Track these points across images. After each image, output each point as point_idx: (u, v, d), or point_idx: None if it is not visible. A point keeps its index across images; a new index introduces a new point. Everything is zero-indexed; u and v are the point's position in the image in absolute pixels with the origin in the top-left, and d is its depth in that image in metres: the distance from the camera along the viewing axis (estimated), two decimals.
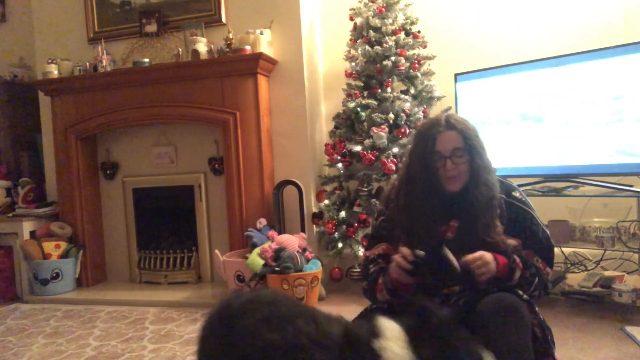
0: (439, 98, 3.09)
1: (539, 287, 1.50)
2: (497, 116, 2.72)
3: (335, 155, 3.06)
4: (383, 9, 3.04)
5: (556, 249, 2.73)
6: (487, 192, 1.51)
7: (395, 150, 2.90)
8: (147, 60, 3.37)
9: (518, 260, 1.48)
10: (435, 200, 1.55)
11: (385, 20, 3.03)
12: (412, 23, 3.12)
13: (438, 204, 1.55)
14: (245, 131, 3.19)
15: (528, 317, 1.40)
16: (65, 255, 3.39)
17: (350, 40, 3.19)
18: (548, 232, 1.56)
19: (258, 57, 3.09)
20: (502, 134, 2.70)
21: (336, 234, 3.01)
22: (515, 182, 2.64)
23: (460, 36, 3.33)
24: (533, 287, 1.49)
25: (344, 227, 2.98)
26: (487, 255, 1.42)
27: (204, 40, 3.25)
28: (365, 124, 2.97)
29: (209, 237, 3.44)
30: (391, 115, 2.91)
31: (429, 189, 1.55)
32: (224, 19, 3.35)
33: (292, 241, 2.81)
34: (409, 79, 3.09)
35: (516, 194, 1.58)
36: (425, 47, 3.12)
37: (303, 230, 3.08)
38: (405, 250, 1.45)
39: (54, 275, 3.33)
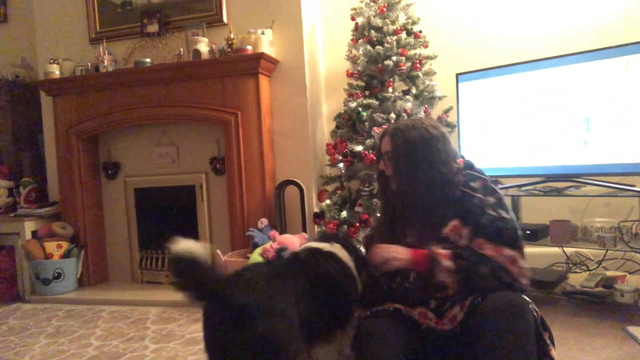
0: (440, 98, 3.09)
1: (491, 273, 1.48)
2: (498, 116, 2.71)
3: (336, 155, 3.06)
4: (384, 9, 3.04)
5: (558, 249, 2.76)
6: (424, 194, 1.57)
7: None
8: (148, 60, 3.37)
9: (442, 251, 1.50)
10: (389, 199, 1.72)
11: (387, 20, 3.03)
12: (414, 23, 3.11)
13: (391, 204, 1.72)
14: (247, 131, 3.19)
15: (533, 318, 1.39)
16: (67, 255, 3.40)
17: (352, 40, 3.19)
18: (498, 214, 1.52)
19: (259, 57, 3.09)
20: (504, 133, 2.70)
21: None
22: (517, 182, 2.69)
23: (461, 36, 3.33)
24: (479, 274, 1.47)
25: (346, 227, 2.98)
26: (387, 249, 1.56)
27: (206, 40, 3.25)
28: (366, 123, 2.97)
29: (210, 237, 3.45)
30: (392, 115, 2.91)
31: (383, 189, 1.75)
32: (225, 19, 3.35)
33: (293, 241, 2.81)
34: (411, 79, 3.08)
35: (475, 184, 1.58)
36: (426, 46, 3.12)
37: (304, 230, 3.08)
38: None
39: (56, 275, 3.34)
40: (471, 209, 1.54)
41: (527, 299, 1.47)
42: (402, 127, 1.63)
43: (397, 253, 1.54)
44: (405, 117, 2.91)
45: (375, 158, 1.74)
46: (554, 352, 1.47)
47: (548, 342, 1.47)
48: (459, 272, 1.48)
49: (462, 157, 1.72)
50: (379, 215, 1.81)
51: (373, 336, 1.47)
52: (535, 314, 1.44)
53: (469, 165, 1.66)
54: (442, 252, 1.51)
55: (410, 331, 1.52)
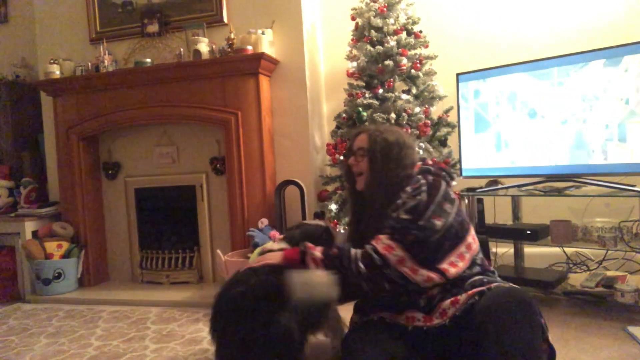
0: (440, 98, 3.09)
1: (361, 257, 1.55)
2: (498, 116, 2.71)
3: (337, 155, 3.06)
4: (385, 9, 3.04)
5: (558, 249, 2.76)
6: (381, 194, 1.67)
7: None
8: (148, 60, 3.37)
9: (312, 247, 1.64)
10: (354, 199, 1.83)
11: (387, 20, 3.03)
12: (414, 23, 3.11)
13: (357, 203, 1.82)
14: (247, 131, 3.19)
15: (539, 312, 1.40)
16: (67, 255, 3.40)
17: (352, 40, 3.19)
18: (407, 216, 1.57)
19: (260, 57, 3.09)
20: (504, 133, 2.70)
21: None
22: (517, 182, 2.69)
23: (462, 36, 3.33)
24: (351, 257, 1.56)
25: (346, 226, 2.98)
26: (261, 259, 1.68)
27: (206, 40, 3.25)
28: (367, 123, 2.97)
29: (210, 237, 3.45)
30: (393, 115, 2.91)
31: (349, 188, 1.85)
32: (225, 19, 3.35)
33: None
34: (411, 79, 3.09)
35: (409, 187, 1.64)
36: (427, 46, 3.12)
37: None
38: None
39: (56, 275, 3.34)
40: (390, 213, 1.62)
41: (522, 289, 1.49)
42: (381, 128, 1.78)
43: (269, 259, 1.68)
44: (406, 117, 2.91)
45: (346, 155, 1.85)
46: (549, 335, 1.49)
47: (545, 326, 1.49)
48: (329, 261, 1.58)
49: (423, 162, 1.79)
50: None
51: (352, 353, 1.50)
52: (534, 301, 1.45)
53: (422, 170, 1.73)
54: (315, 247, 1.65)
55: (394, 336, 1.53)
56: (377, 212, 1.67)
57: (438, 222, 1.55)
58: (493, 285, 1.49)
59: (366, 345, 1.48)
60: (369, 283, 1.55)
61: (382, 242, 1.55)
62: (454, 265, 1.57)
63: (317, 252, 1.62)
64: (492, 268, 1.72)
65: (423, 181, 1.64)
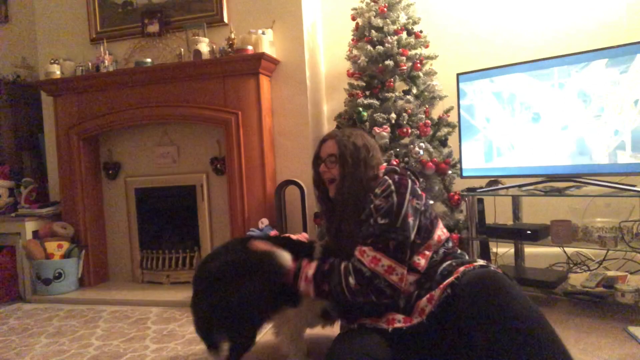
0: (441, 98, 3.09)
1: (348, 271, 1.59)
2: (499, 116, 2.71)
3: None
4: (385, 9, 3.04)
5: (559, 249, 2.76)
6: (352, 197, 1.70)
7: (392, 151, 2.90)
8: (149, 60, 3.37)
9: (308, 263, 1.67)
10: (326, 206, 1.86)
11: (387, 20, 3.03)
12: (414, 23, 3.11)
13: (328, 210, 1.85)
14: (248, 131, 3.19)
15: (510, 282, 1.41)
16: (67, 255, 3.40)
17: (352, 40, 3.19)
18: (376, 221, 1.59)
19: (260, 57, 3.09)
20: (505, 133, 2.70)
21: None
22: (517, 181, 2.69)
23: (462, 36, 3.33)
24: (342, 272, 1.59)
25: None
26: None
27: (206, 40, 3.25)
28: (367, 123, 2.97)
29: (211, 236, 3.45)
30: (393, 115, 2.91)
31: (320, 195, 1.88)
32: (226, 19, 3.35)
33: None
34: (411, 79, 3.09)
35: (379, 189, 1.66)
36: (427, 46, 3.12)
37: (305, 230, 3.09)
38: None
39: (57, 275, 3.34)
40: (362, 216, 1.65)
41: (486, 264, 1.53)
42: (346, 133, 1.80)
43: None
44: (406, 117, 2.91)
45: (314, 163, 1.87)
46: None
47: None
48: (319, 277, 1.62)
49: (387, 164, 1.84)
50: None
51: None
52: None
53: (388, 170, 1.76)
54: (307, 263, 1.68)
55: (377, 340, 1.53)
56: (350, 217, 1.70)
57: (411, 221, 1.61)
58: (460, 271, 1.49)
59: (353, 356, 1.47)
60: (357, 297, 1.58)
61: (367, 255, 1.57)
62: (423, 256, 1.65)
63: (311, 269, 1.66)
64: (458, 250, 1.78)
65: (389, 181, 1.66)
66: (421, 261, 1.63)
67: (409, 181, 1.68)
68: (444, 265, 1.62)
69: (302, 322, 1.86)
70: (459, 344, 1.45)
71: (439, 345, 1.52)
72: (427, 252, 1.66)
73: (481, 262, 1.55)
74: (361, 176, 1.71)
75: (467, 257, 1.73)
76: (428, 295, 1.53)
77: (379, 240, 1.57)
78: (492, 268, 1.49)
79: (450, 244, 1.75)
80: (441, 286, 1.50)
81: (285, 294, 1.73)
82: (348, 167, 1.72)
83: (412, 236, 1.61)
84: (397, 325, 1.55)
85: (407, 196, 1.62)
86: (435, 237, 1.70)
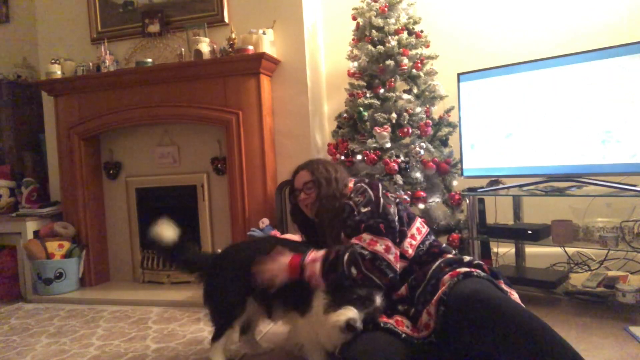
0: (441, 97, 3.09)
1: (351, 261, 1.63)
2: (500, 116, 2.71)
3: (338, 155, 3.06)
4: (386, 9, 3.04)
5: (559, 249, 2.76)
6: (330, 209, 1.85)
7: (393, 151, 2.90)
8: (149, 60, 3.38)
9: (313, 254, 1.73)
10: (306, 230, 2.06)
11: (388, 19, 3.03)
12: (415, 22, 3.11)
13: (309, 233, 2.05)
14: (248, 131, 3.19)
15: (487, 283, 1.48)
16: (68, 255, 3.40)
17: (353, 39, 3.19)
18: (358, 211, 1.73)
19: (261, 57, 3.09)
20: (505, 133, 2.70)
21: None
22: (518, 181, 2.68)
23: (463, 35, 3.33)
24: (344, 264, 1.63)
25: None
26: (266, 272, 1.75)
27: (207, 40, 3.25)
28: (367, 123, 2.97)
29: (211, 236, 3.45)
30: (394, 115, 2.91)
31: (299, 222, 2.08)
32: (226, 19, 3.35)
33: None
34: (412, 79, 3.08)
35: (352, 193, 1.84)
36: (428, 46, 3.12)
37: None
38: None
39: (58, 274, 3.34)
40: (344, 215, 1.78)
41: (468, 271, 1.54)
42: (314, 162, 2.03)
43: (275, 271, 1.74)
44: (407, 116, 2.91)
45: (292, 195, 2.07)
46: (514, 296, 1.57)
47: (505, 288, 1.56)
48: (326, 269, 1.65)
49: (355, 178, 2.00)
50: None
51: None
52: (480, 274, 1.53)
53: (357, 181, 1.93)
54: (312, 256, 1.74)
55: (391, 344, 1.53)
56: (333, 226, 1.83)
57: (391, 209, 1.75)
58: (446, 284, 1.52)
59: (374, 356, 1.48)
60: (361, 284, 1.63)
61: (364, 239, 1.67)
62: (410, 245, 1.78)
63: (318, 263, 1.69)
64: (443, 244, 1.90)
65: (360, 184, 1.86)
66: (409, 249, 1.76)
67: (379, 183, 1.86)
68: (434, 267, 1.68)
69: (315, 335, 1.72)
70: (468, 355, 1.46)
71: (451, 358, 1.53)
72: (413, 242, 1.79)
73: (464, 269, 1.56)
74: (335, 191, 1.88)
75: (453, 252, 1.84)
76: (426, 310, 1.56)
77: (370, 225, 1.69)
78: (474, 274, 1.52)
79: (433, 237, 1.88)
80: (433, 302, 1.53)
81: (294, 299, 1.76)
82: (323, 187, 1.89)
83: (395, 223, 1.73)
84: (406, 331, 1.57)
85: (380, 190, 1.80)
86: (414, 228, 1.84)
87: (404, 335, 1.55)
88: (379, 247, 1.65)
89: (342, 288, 1.62)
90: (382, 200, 1.75)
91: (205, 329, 2.52)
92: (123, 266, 3.69)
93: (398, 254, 1.70)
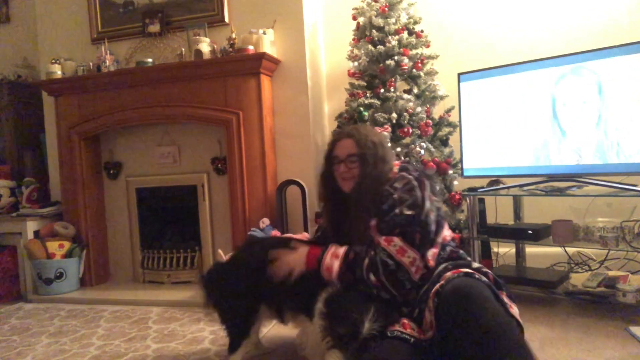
0: (442, 97, 3.09)
1: (371, 268, 1.59)
2: (500, 115, 2.71)
3: None
4: (386, 9, 3.04)
5: (560, 249, 2.76)
6: (371, 192, 1.69)
7: (398, 149, 2.90)
8: (150, 60, 3.37)
9: (334, 249, 1.69)
10: (334, 201, 1.85)
11: (388, 19, 3.03)
12: (415, 22, 3.11)
13: (337, 205, 1.84)
14: (248, 131, 3.19)
15: (485, 291, 1.44)
16: (69, 254, 3.40)
17: (353, 39, 3.19)
18: (402, 212, 1.61)
19: (261, 57, 3.09)
20: (505, 133, 2.70)
21: None
22: (519, 181, 2.68)
23: (463, 35, 3.33)
24: (364, 267, 1.60)
25: None
26: (284, 263, 1.72)
27: (207, 40, 3.25)
28: (368, 123, 2.97)
29: (212, 236, 3.45)
30: (394, 115, 2.91)
31: (328, 191, 1.87)
32: (226, 19, 3.35)
33: None
34: (412, 79, 3.08)
35: (398, 184, 1.67)
36: (428, 46, 3.12)
37: (306, 230, 3.08)
38: None
39: (58, 274, 3.34)
40: (384, 207, 1.64)
41: (468, 272, 1.52)
42: (362, 131, 1.81)
43: (294, 262, 1.72)
44: (407, 116, 2.91)
45: (329, 162, 1.88)
46: (513, 311, 1.52)
47: (506, 300, 1.52)
48: (345, 268, 1.62)
49: (401, 161, 1.87)
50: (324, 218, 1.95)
51: None
52: (481, 279, 1.50)
53: (404, 168, 1.78)
54: (333, 250, 1.69)
55: (399, 353, 1.51)
56: (365, 209, 1.70)
57: (432, 216, 1.65)
58: (446, 277, 1.52)
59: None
60: (377, 291, 1.60)
61: (394, 245, 1.59)
62: (433, 255, 1.67)
63: (337, 261, 1.66)
64: (461, 250, 1.80)
65: (409, 177, 1.69)
66: (431, 260, 1.66)
67: (426, 179, 1.71)
68: (440, 268, 1.65)
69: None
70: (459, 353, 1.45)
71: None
72: (435, 250, 1.68)
73: (467, 270, 1.55)
74: (380, 173, 1.72)
75: (467, 259, 1.74)
76: (427, 306, 1.55)
77: (406, 231, 1.59)
78: (475, 277, 1.51)
79: (454, 243, 1.78)
80: (431, 294, 1.52)
81: (303, 303, 1.74)
82: (369, 166, 1.72)
83: (432, 232, 1.64)
84: (414, 334, 1.56)
85: (428, 192, 1.66)
86: (442, 235, 1.72)
87: (412, 339, 1.54)
88: (406, 259, 1.58)
89: (337, 313, 1.59)
90: (426, 206, 1.63)
91: (205, 329, 2.52)
92: (123, 266, 3.69)
93: (421, 267, 1.63)
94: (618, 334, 2.09)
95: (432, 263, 1.65)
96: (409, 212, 1.60)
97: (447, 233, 1.76)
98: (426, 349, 1.53)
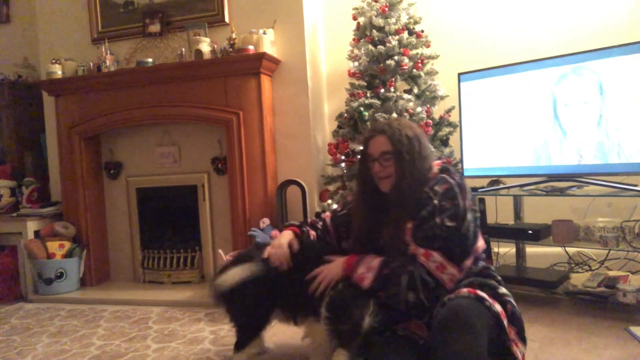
0: (442, 97, 3.08)
1: (411, 286, 1.49)
2: (500, 115, 2.71)
3: (338, 155, 3.06)
4: (386, 9, 3.03)
5: (560, 249, 2.76)
6: (411, 194, 1.59)
7: None
8: (150, 60, 3.38)
9: (369, 260, 1.60)
10: (371, 201, 1.71)
11: (389, 19, 3.03)
12: (416, 22, 3.11)
13: (373, 205, 1.70)
14: (249, 131, 3.19)
15: (481, 321, 1.39)
16: (69, 254, 3.40)
17: (354, 39, 3.19)
18: (443, 222, 1.51)
19: (261, 56, 3.09)
20: (506, 133, 2.70)
21: None
22: (519, 181, 2.68)
23: (463, 35, 3.33)
24: (402, 287, 1.50)
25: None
26: (322, 276, 1.66)
27: (207, 40, 3.25)
28: (368, 123, 2.97)
29: (212, 236, 3.45)
30: (394, 115, 2.90)
31: (365, 190, 1.73)
32: (227, 19, 3.35)
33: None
34: (412, 79, 3.08)
35: (439, 187, 1.57)
36: (428, 46, 3.11)
37: None
38: None
39: (58, 274, 3.34)
40: (423, 213, 1.55)
41: (480, 296, 1.46)
42: (395, 126, 1.66)
43: (331, 273, 1.66)
44: (408, 116, 2.91)
45: (364, 160, 1.74)
46: (516, 349, 1.47)
47: (512, 337, 1.48)
48: (378, 276, 1.55)
49: (441, 159, 1.75)
50: (354, 218, 1.82)
51: None
52: (491, 308, 1.44)
53: (445, 169, 1.66)
54: (373, 264, 1.60)
55: (410, 353, 1.51)
56: (403, 211, 1.60)
57: (472, 228, 1.56)
58: (448, 297, 1.48)
59: None
60: (412, 308, 1.54)
61: (433, 261, 1.50)
62: (465, 265, 1.58)
63: (371, 273, 1.58)
64: (491, 267, 1.72)
65: (452, 181, 1.59)
66: (462, 272, 1.57)
67: (466, 185, 1.62)
68: (465, 281, 1.58)
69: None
70: None
71: None
72: (469, 262, 1.59)
73: (483, 294, 1.49)
74: (418, 170, 1.61)
75: (497, 278, 1.65)
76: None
77: (447, 246, 1.51)
78: (486, 303, 1.45)
79: (484, 255, 1.71)
80: (440, 303, 1.50)
81: (314, 307, 1.72)
82: (405, 163, 1.60)
83: (470, 244, 1.56)
84: (423, 334, 1.55)
85: (468, 202, 1.57)
86: (477, 245, 1.63)
87: (422, 341, 1.52)
88: (445, 276, 1.50)
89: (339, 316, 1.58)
90: (468, 216, 1.54)
91: (205, 329, 2.52)
92: (124, 266, 3.68)
93: (455, 273, 1.54)
94: (618, 334, 2.09)
95: (461, 275, 1.56)
96: (450, 224, 1.51)
97: (479, 243, 1.66)
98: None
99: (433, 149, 1.70)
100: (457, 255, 1.52)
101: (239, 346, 1.87)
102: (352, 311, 1.53)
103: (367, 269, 1.58)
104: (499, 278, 1.66)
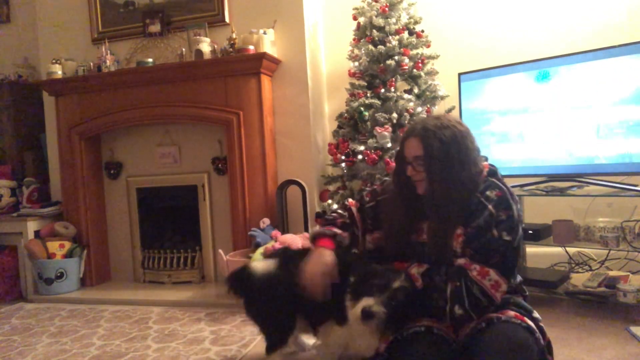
0: (442, 97, 3.08)
1: (458, 299, 1.44)
2: (500, 115, 2.71)
3: (338, 155, 3.06)
4: (386, 9, 3.04)
5: (560, 249, 2.76)
6: (452, 200, 1.49)
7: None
8: (150, 60, 3.38)
9: (415, 268, 1.56)
10: (406, 202, 1.63)
11: (389, 19, 3.03)
12: (416, 22, 3.11)
13: (408, 206, 1.62)
14: (249, 131, 3.19)
15: (536, 353, 1.38)
16: (69, 254, 3.40)
17: (354, 39, 3.19)
18: (500, 235, 1.44)
19: (261, 57, 3.09)
20: (506, 133, 2.70)
21: None
22: (519, 181, 2.68)
23: (463, 35, 3.32)
24: (448, 299, 1.46)
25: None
26: None
27: (208, 40, 3.25)
28: (368, 123, 2.97)
29: (212, 236, 3.45)
30: (395, 115, 2.91)
31: (402, 189, 1.64)
32: (227, 19, 3.35)
33: (295, 241, 2.80)
34: (413, 79, 3.08)
35: (491, 193, 1.49)
36: (428, 46, 3.12)
37: (306, 230, 3.08)
38: None
39: (58, 274, 3.34)
40: (479, 222, 1.46)
41: (531, 327, 1.44)
42: (431, 127, 1.53)
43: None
44: (408, 116, 2.91)
45: (393, 162, 1.70)
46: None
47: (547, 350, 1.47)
48: (430, 287, 1.51)
49: (487, 159, 1.66)
50: (390, 212, 1.70)
51: None
52: (540, 341, 1.43)
53: (493, 172, 1.58)
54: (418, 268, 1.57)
55: (443, 353, 1.48)
56: (448, 215, 1.51)
57: (521, 240, 1.52)
58: (489, 318, 1.45)
59: None
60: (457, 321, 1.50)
61: (490, 279, 1.43)
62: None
63: (422, 268, 1.56)
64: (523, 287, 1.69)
65: (504, 187, 1.51)
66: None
67: (513, 191, 1.55)
68: (507, 297, 1.54)
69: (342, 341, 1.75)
70: None
71: None
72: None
73: (512, 314, 1.47)
74: (456, 177, 1.48)
75: (526, 295, 1.64)
76: (473, 323, 1.49)
77: (504, 262, 1.44)
78: (535, 335, 1.43)
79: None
80: (472, 324, 1.47)
81: (333, 310, 1.68)
82: (437, 170, 1.49)
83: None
84: (451, 335, 1.53)
85: (520, 212, 1.50)
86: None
87: (454, 345, 1.50)
88: (498, 294, 1.44)
89: (361, 283, 1.55)
90: (520, 227, 1.48)
91: (206, 329, 2.52)
92: (124, 266, 3.68)
93: (504, 289, 1.47)
94: (618, 334, 2.09)
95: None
96: (507, 238, 1.43)
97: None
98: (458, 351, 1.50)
99: (480, 151, 1.61)
100: (509, 270, 1.47)
101: (269, 351, 1.83)
102: (384, 274, 1.53)
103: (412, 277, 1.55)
104: (527, 293, 1.64)
